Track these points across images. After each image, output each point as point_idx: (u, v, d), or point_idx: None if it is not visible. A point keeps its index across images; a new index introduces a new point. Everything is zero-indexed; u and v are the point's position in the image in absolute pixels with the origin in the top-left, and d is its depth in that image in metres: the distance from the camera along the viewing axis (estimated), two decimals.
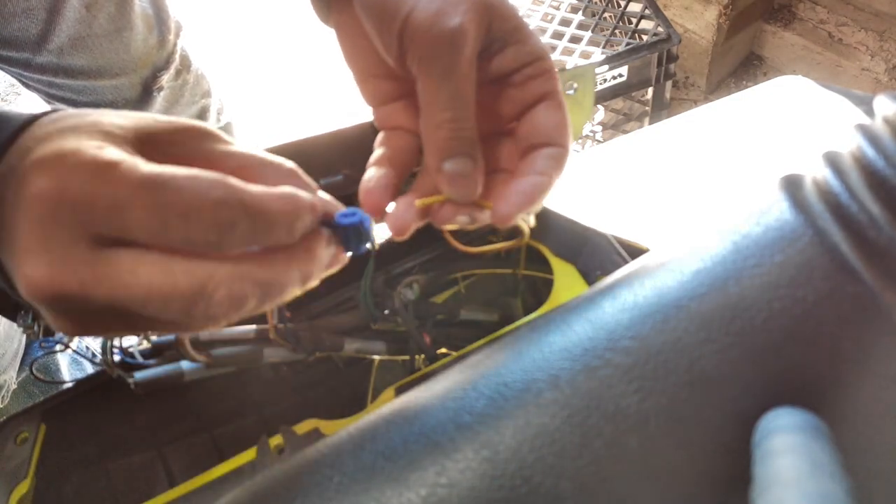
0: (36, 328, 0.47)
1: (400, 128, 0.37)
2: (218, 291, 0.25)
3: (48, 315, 0.26)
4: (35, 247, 0.24)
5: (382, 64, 0.35)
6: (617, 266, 0.49)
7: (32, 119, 0.27)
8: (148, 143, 0.27)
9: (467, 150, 0.32)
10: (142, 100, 0.88)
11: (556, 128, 0.33)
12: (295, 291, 0.29)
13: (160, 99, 0.90)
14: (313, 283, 0.30)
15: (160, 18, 0.86)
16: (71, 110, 0.27)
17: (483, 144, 0.34)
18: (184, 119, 0.28)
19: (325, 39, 1.88)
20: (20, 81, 0.86)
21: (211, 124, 1.04)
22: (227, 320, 0.27)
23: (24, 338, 1.06)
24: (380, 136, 0.37)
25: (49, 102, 0.89)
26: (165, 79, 0.89)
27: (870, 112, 0.24)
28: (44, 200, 0.23)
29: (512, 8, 0.33)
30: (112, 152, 0.24)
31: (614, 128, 1.27)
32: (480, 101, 0.33)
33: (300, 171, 0.31)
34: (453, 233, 0.49)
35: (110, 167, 0.24)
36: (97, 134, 0.25)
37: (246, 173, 0.28)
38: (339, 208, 0.32)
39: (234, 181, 0.26)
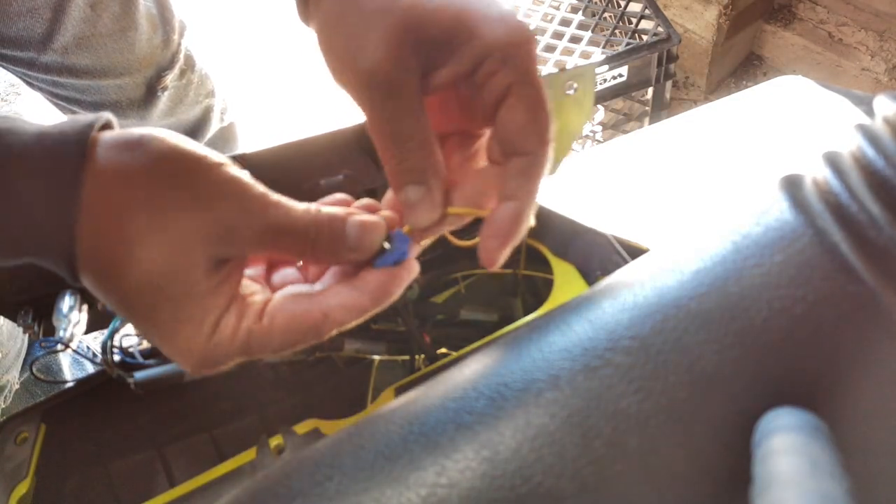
0: (36, 328, 0.47)
1: None
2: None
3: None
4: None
5: None
6: (617, 266, 0.49)
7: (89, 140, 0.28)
8: (221, 253, 0.30)
9: (416, 179, 0.31)
10: (146, 100, 0.88)
11: (521, 130, 0.30)
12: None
13: (164, 99, 0.90)
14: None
15: (164, 18, 0.86)
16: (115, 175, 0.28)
17: (463, 146, 0.34)
18: (253, 219, 0.30)
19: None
20: (24, 81, 0.86)
21: (214, 124, 1.04)
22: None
23: (26, 338, 1.06)
24: None
25: (53, 102, 0.89)
26: (169, 79, 0.89)
27: (870, 112, 0.24)
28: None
29: (443, 9, 0.29)
30: (221, 344, 0.30)
31: (614, 128, 1.27)
32: (447, 106, 0.33)
33: (336, 242, 0.31)
34: (452, 232, 0.49)
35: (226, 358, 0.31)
36: (184, 257, 0.29)
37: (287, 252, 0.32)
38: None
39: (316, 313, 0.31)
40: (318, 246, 0.30)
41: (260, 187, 0.30)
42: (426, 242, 0.34)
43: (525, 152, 0.31)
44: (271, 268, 0.35)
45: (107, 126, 0.30)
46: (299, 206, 0.31)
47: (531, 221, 0.38)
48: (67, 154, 0.27)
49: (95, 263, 0.28)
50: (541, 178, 0.31)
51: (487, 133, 0.34)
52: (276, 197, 0.30)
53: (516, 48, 0.29)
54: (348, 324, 0.31)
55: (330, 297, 0.31)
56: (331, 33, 0.31)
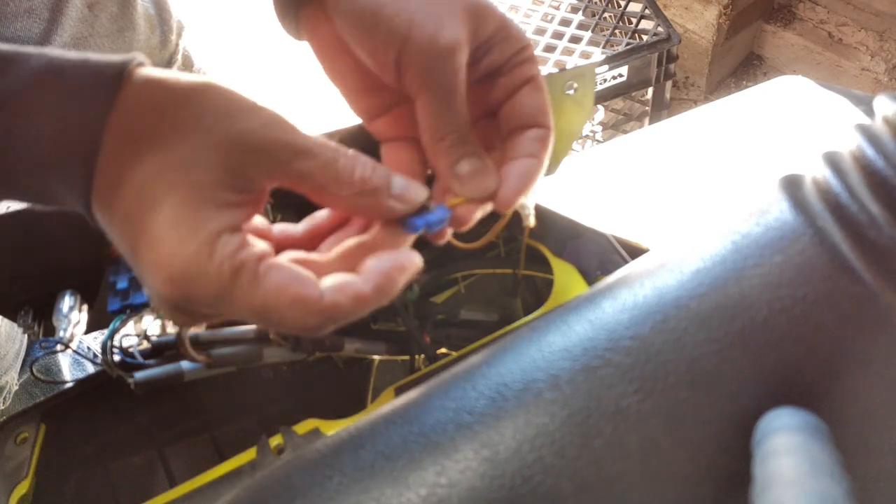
0: (36, 328, 0.47)
1: (399, 138, 0.37)
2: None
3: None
4: (163, 300, 0.28)
5: (368, 78, 0.35)
6: (617, 266, 0.49)
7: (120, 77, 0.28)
8: (235, 176, 0.29)
9: (471, 151, 0.33)
10: None
11: (539, 110, 0.34)
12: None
13: None
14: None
15: (162, 18, 0.86)
16: (141, 107, 0.29)
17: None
18: (259, 123, 0.29)
19: None
20: None
21: None
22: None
23: (25, 338, 1.06)
24: (383, 153, 0.37)
25: None
26: None
27: (870, 112, 0.24)
28: (169, 285, 0.27)
29: (493, 6, 0.33)
30: (223, 273, 0.27)
31: (614, 128, 1.27)
32: (469, 92, 0.34)
33: (380, 188, 0.31)
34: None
35: (225, 290, 0.27)
36: (196, 199, 0.28)
37: (322, 193, 0.31)
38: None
39: (329, 299, 0.28)
40: (358, 183, 0.30)
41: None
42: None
43: (542, 125, 0.34)
44: (279, 249, 0.33)
45: (140, 64, 0.30)
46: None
47: (532, 221, 0.38)
48: (108, 75, 0.28)
49: (110, 171, 0.28)
50: (549, 150, 0.34)
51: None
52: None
53: (531, 47, 0.35)
54: (342, 312, 0.29)
55: (331, 278, 0.30)
56: (379, 11, 0.32)
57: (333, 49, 0.35)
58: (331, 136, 0.48)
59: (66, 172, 0.28)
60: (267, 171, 0.29)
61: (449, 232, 0.35)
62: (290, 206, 0.50)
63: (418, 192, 0.32)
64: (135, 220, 0.28)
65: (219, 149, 0.28)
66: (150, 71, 0.30)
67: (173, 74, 0.30)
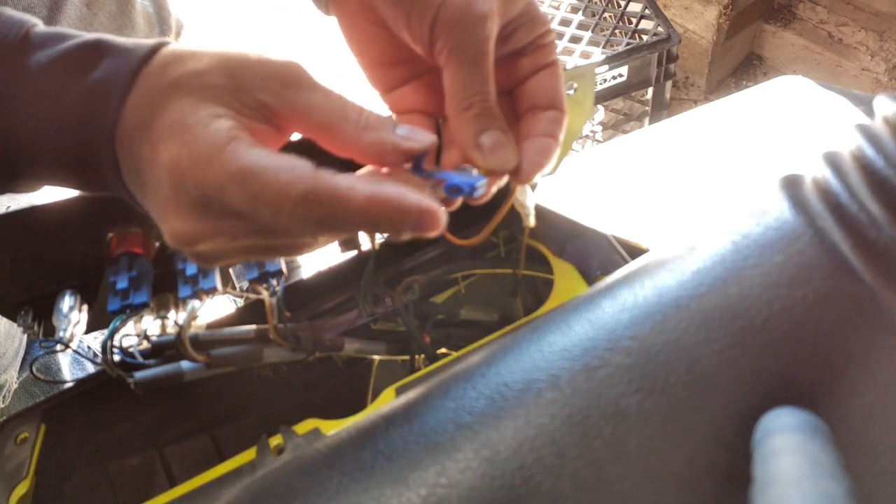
0: (36, 327, 0.47)
1: (415, 110, 0.38)
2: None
3: (190, 254, 0.31)
4: (173, 208, 0.29)
5: (392, 50, 0.36)
6: (617, 266, 0.49)
7: (147, 56, 0.31)
8: (243, 92, 0.30)
9: (497, 124, 0.33)
10: None
11: (556, 93, 0.35)
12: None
13: None
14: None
15: (161, 17, 0.86)
16: (173, 51, 0.31)
17: None
18: (276, 59, 0.31)
19: (325, 38, 1.88)
20: None
21: None
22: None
23: (24, 337, 1.05)
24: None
25: None
26: None
27: (870, 112, 0.24)
28: (172, 173, 0.28)
29: None
30: (218, 133, 0.28)
31: (614, 128, 1.27)
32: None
33: (386, 124, 0.31)
34: (452, 233, 0.49)
35: (216, 152, 0.28)
36: (204, 98, 0.29)
37: (329, 130, 0.31)
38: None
39: (322, 178, 0.28)
40: (363, 119, 0.31)
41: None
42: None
43: (558, 108, 0.35)
44: None
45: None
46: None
47: (532, 221, 0.39)
48: (143, 49, 0.31)
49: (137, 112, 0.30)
50: (563, 133, 0.35)
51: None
52: None
53: (552, 33, 0.36)
54: (327, 198, 0.27)
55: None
56: None
57: (361, 20, 0.36)
58: None
59: (100, 118, 0.30)
60: (275, 97, 0.30)
61: (444, 222, 0.34)
62: None
63: (423, 134, 0.31)
64: (153, 141, 0.29)
65: (234, 69, 0.30)
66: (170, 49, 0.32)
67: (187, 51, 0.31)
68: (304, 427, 0.48)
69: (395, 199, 0.28)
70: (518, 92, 0.36)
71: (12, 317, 0.48)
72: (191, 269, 0.45)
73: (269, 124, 0.31)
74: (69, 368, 1.10)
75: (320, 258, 0.56)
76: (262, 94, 0.30)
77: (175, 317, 0.46)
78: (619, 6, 1.19)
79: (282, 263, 0.45)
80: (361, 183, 0.28)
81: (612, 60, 1.09)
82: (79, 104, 0.30)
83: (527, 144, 0.34)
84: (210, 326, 0.50)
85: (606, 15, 1.21)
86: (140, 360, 0.46)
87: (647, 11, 1.15)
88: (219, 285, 0.45)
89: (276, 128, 0.31)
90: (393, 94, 0.38)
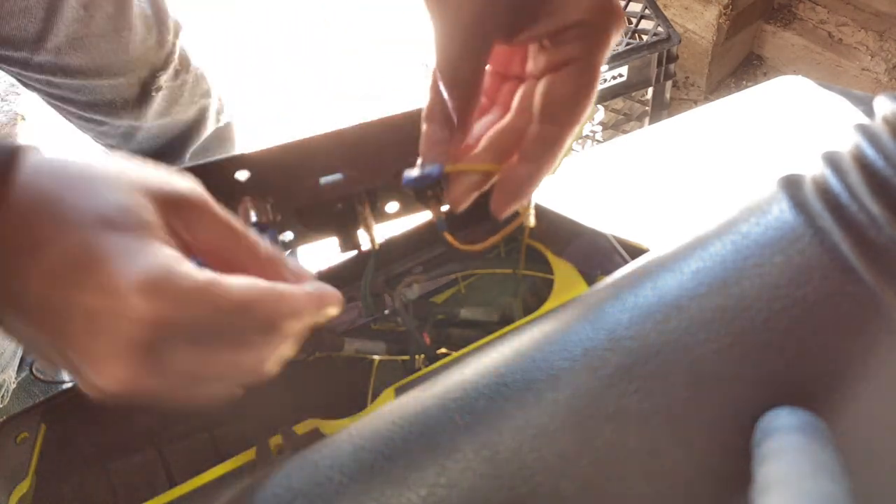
0: None
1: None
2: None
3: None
4: (115, 360, 0.24)
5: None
6: (617, 266, 0.49)
7: (9, 159, 0.25)
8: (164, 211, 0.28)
9: (444, 120, 0.33)
10: (140, 100, 0.88)
11: (562, 103, 0.32)
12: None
13: (159, 99, 0.89)
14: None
15: (159, 19, 0.86)
16: (51, 160, 0.27)
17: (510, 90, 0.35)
18: (179, 185, 0.29)
19: (326, 40, 1.88)
20: (19, 81, 0.86)
21: (210, 124, 1.04)
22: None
23: None
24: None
25: (48, 101, 0.89)
26: (164, 79, 0.89)
27: (870, 112, 0.24)
28: (147, 328, 0.24)
29: None
30: (191, 275, 0.25)
31: (614, 128, 1.27)
32: (505, 54, 0.34)
33: (281, 259, 0.31)
34: (452, 232, 0.49)
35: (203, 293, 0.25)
36: (143, 225, 0.26)
37: (227, 254, 0.30)
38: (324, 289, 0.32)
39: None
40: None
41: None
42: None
43: (557, 123, 0.33)
44: None
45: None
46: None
47: (532, 222, 0.39)
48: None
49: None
50: (562, 152, 0.33)
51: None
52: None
53: (591, 28, 0.31)
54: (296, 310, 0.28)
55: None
56: None
57: None
58: (331, 135, 0.48)
59: None
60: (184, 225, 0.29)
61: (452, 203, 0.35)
62: (290, 206, 0.50)
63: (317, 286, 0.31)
64: (76, 252, 0.25)
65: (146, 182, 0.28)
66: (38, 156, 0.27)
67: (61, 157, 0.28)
68: (304, 427, 0.48)
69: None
70: (537, 93, 0.34)
71: None
72: None
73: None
74: None
75: (320, 258, 0.56)
76: (174, 217, 0.28)
77: None
78: None
79: None
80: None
81: (612, 60, 1.09)
82: None
83: (502, 178, 0.33)
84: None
85: None
86: None
87: (647, 11, 1.15)
88: None
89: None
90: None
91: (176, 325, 0.25)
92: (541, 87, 0.33)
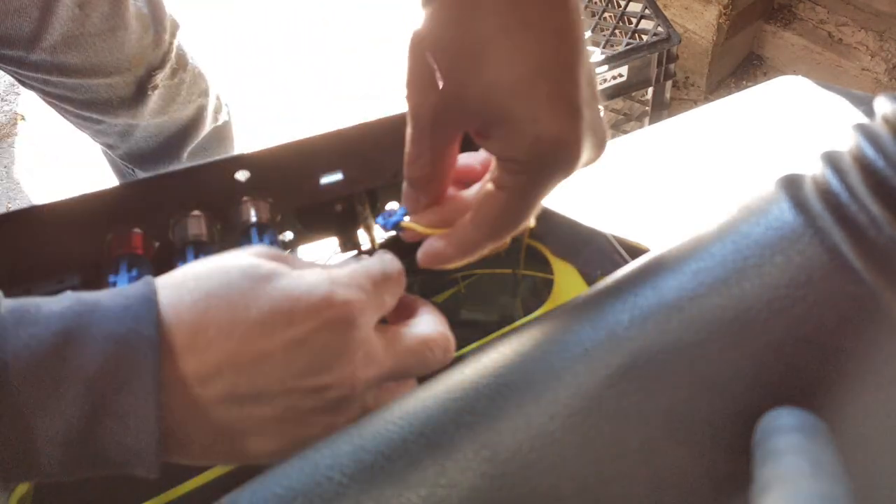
0: None
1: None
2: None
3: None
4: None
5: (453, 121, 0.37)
6: (617, 266, 0.49)
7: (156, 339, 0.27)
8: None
9: (413, 184, 0.36)
10: (136, 98, 0.88)
11: (486, 217, 0.33)
12: None
13: (155, 97, 0.89)
14: None
15: (156, 18, 0.86)
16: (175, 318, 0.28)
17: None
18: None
19: (325, 39, 1.88)
20: (16, 79, 0.86)
21: (207, 124, 1.04)
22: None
23: None
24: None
25: (45, 100, 0.89)
26: (160, 78, 0.88)
27: (870, 112, 0.24)
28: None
29: (489, 98, 0.30)
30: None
31: (614, 128, 1.27)
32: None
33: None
34: None
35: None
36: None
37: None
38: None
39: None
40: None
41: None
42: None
43: (478, 230, 0.34)
44: None
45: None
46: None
47: (532, 222, 0.39)
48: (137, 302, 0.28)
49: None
50: (477, 254, 0.35)
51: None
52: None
53: (527, 166, 0.31)
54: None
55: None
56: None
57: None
58: (331, 135, 0.48)
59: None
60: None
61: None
62: (290, 206, 0.50)
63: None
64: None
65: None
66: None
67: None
68: None
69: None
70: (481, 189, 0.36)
71: None
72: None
73: None
74: None
75: (320, 258, 0.56)
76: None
77: None
78: (619, 6, 1.19)
79: None
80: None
81: (612, 60, 1.09)
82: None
83: (429, 242, 0.36)
84: None
85: (606, 15, 1.21)
86: None
87: (647, 11, 1.15)
88: None
89: None
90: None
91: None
92: (479, 193, 0.34)
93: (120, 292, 0.28)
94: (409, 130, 0.34)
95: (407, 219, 0.37)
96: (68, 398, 0.25)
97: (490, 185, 0.33)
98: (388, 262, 0.35)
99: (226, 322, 0.27)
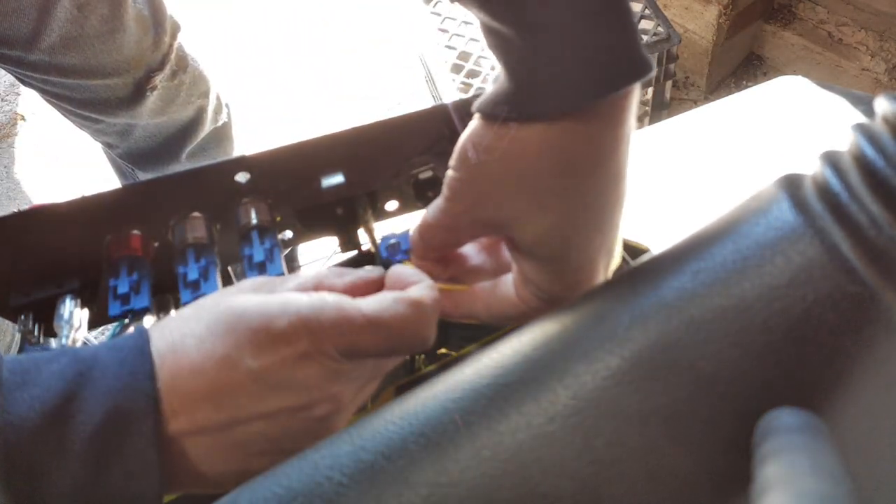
0: (36, 332, 0.47)
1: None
2: None
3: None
4: None
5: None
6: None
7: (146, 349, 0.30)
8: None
9: (420, 254, 0.39)
10: (134, 98, 0.88)
11: (490, 303, 0.38)
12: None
13: (154, 98, 0.89)
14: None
15: (156, 20, 0.86)
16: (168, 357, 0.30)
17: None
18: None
19: (325, 39, 1.88)
20: (17, 78, 0.86)
21: (207, 125, 1.04)
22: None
23: (18, 335, 1.05)
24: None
25: (45, 99, 0.90)
26: (160, 79, 0.89)
27: (870, 112, 0.24)
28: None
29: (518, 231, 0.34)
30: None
31: None
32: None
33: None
34: None
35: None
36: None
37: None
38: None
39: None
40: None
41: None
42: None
43: (486, 312, 0.38)
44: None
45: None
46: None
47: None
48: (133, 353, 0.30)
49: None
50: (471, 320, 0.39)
51: None
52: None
53: (556, 297, 0.35)
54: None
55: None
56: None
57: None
58: (331, 136, 0.48)
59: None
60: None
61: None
62: (290, 207, 0.50)
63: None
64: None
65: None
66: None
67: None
68: None
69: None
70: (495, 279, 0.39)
71: (13, 320, 0.48)
72: (192, 273, 0.45)
73: None
74: None
75: (320, 258, 0.56)
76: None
77: None
78: None
79: (283, 266, 0.45)
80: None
81: None
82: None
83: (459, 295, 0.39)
84: None
85: None
86: None
87: (647, 11, 1.15)
88: (220, 288, 0.45)
89: None
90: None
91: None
92: (488, 283, 0.38)
93: (115, 346, 0.30)
94: (441, 217, 0.36)
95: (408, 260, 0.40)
96: (74, 453, 0.27)
97: (510, 290, 0.37)
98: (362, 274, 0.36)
99: (197, 361, 0.29)
